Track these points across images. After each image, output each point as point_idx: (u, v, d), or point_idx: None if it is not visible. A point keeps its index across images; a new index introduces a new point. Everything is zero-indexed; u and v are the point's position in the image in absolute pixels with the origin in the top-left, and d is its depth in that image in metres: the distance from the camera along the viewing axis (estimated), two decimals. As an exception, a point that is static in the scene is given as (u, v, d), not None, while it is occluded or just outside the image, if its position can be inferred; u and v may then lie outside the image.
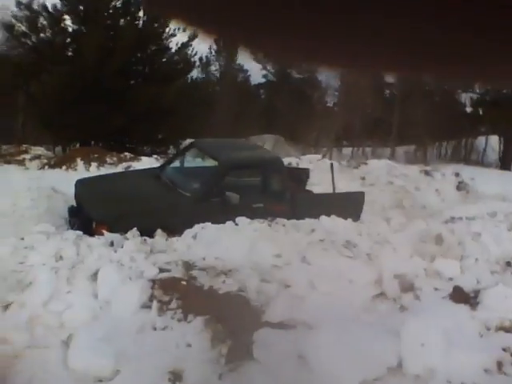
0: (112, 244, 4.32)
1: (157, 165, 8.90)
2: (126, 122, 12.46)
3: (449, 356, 3.12)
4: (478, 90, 24.97)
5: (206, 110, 15.89)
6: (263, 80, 25.10)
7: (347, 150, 24.12)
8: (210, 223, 5.20)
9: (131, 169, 8.71)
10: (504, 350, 3.30)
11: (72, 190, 7.26)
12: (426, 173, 10.82)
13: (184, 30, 14.80)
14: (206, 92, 16.80)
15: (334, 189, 6.43)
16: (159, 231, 5.15)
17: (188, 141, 17.11)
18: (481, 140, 27.89)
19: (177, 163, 6.90)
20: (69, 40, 14.54)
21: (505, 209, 7.29)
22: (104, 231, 5.09)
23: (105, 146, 11.34)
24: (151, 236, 4.97)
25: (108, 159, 9.25)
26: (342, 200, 6.49)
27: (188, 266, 4.16)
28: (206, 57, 19.83)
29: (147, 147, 14.44)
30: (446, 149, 28.54)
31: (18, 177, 7.66)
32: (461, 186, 10.40)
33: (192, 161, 6.97)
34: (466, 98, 28.13)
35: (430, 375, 2.93)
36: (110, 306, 3.56)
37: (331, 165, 6.68)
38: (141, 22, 14.31)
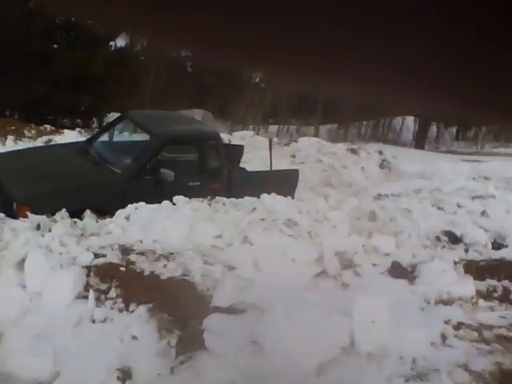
0: (38, 227, 3.94)
1: (82, 139, 8.35)
2: (46, 90, 11.44)
3: (396, 332, 3.16)
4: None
5: (134, 82, 15.06)
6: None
7: (273, 128, 24.19)
8: (144, 203, 4.92)
9: (53, 143, 8.07)
10: (445, 322, 3.41)
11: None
12: (353, 151, 11.08)
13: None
14: (134, 62, 15.86)
15: (271, 166, 6.33)
16: (88, 212, 4.80)
17: (113, 114, 16.29)
18: (398, 120, 29.21)
19: (106, 137, 6.45)
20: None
21: (427, 186, 7.61)
22: (27, 213, 4.68)
23: (22, 118, 10.41)
24: (79, 217, 4.62)
25: (26, 132, 8.51)
26: (278, 178, 6.41)
27: (125, 250, 3.90)
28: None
29: (68, 119, 13.46)
30: (366, 128, 29.60)
31: None
32: (384, 164, 10.76)
33: (123, 134, 6.56)
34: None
35: (382, 352, 2.94)
36: (42, 297, 3.25)
37: (270, 141, 6.55)
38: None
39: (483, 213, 6.03)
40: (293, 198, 6.15)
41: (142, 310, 3.18)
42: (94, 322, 3.16)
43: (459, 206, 6.20)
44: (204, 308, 3.20)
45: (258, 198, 5.90)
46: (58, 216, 4.19)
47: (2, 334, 2.83)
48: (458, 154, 20.77)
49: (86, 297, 3.31)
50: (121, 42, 14.87)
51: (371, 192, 7.49)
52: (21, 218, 4.36)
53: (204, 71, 22.29)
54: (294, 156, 10.16)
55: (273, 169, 7.46)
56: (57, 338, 2.94)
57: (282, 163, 9.51)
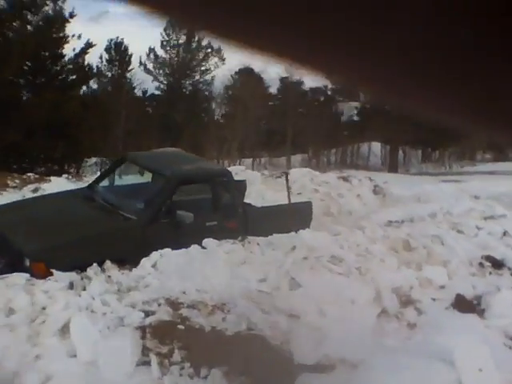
0: (71, 286, 3.48)
1: (71, 185, 7.84)
2: (20, 138, 10.80)
3: (496, 376, 2.87)
4: (360, 99, 26.70)
5: (106, 124, 14.57)
6: (155, 92, 24.21)
7: (247, 161, 24.09)
8: (169, 249, 4.53)
9: (42, 192, 7.53)
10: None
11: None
12: (344, 179, 10.99)
13: (79, 37, 13.54)
14: (105, 105, 15.39)
15: (289, 200, 6.06)
16: (108, 263, 4.35)
17: (93, 159, 15.72)
18: (363, 147, 29.79)
19: (106, 182, 6.03)
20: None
21: (437, 210, 7.52)
22: (42, 269, 4.19)
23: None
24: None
25: (9, 182, 7.93)
26: (292, 211, 6.15)
27: (172, 304, 3.48)
28: (97, 67, 18.37)
29: (44, 167, 12.78)
30: (335, 156, 30.03)
31: None
32: (377, 190, 10.71)
33: (126, 177, 6.16)
34: (346, 106, 30.03)
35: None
36: (97, 368, 2.79)
37: (286, 176, 6.31)
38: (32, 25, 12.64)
39: (505, 233, 5.95)
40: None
41: (216, 374, 2.77)
42: (162, 393, 2.73)
43: (479, 229, 6.10)
44: (287, 367, 2.83)
45: (275, 233, 5.64)
46: (90, 272, 3.74)
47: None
48: (431, 175, 21.17)
49: (147, 363, 2.87)
50: (93, 84, 14.49)
51: (376, 219, 7.30)
52: (35, 275, 3.90)
53: (171, 109, 22.13)
54: (289, 188, 9.94)
55: (281, 203, 7.22)
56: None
57: (278, 196, 9.28)
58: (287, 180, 6.24)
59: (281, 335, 3.15)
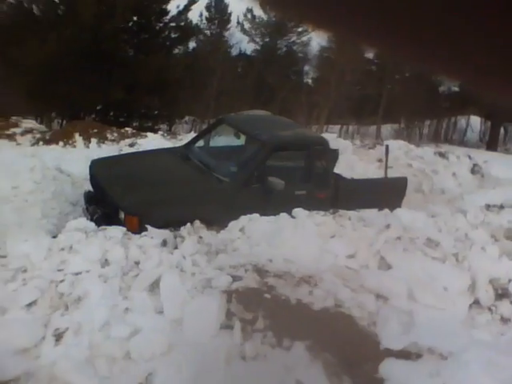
0: (165, 244, 3.57)
1: (166, 142, 8.06)
2: (124, 94, 11.28)
3: None
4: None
5: (201, 84, 14.77)
6: (251, 53, 24.10)
7: (334, 129, 23.53)
8: (257, 214, 4.52)
9: (136, 146, 7.84)
10: None
11: (78, 170, 6.42)
12: (441, 155, 10.34)
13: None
14: (204, 64, 15.55)
15: (386, 173, 5.79)
16: (198, 223, 4.42)
17: (186, 117, 16.12)
18: (461, 120, 27.86)
19: (202, 142, 6.10)
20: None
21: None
22: (136, 223, 4.36)
23: (99, 121, 10.26)
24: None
25: (108, 135, 8.32)
26: (385, 186, 5.88)
27: (259, 271, 3.47)
28: (197, 24, 18.52)
29: (140, 122, 13.30)
30: (429, 128, 28.41)
31: (11, 154, 6.70)
32: (475, 170, 9.99)
33: (221, 139, 6.19)
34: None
35: None
36: (182, 327, 2.85)
37: (386, 148, 6.01)
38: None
39: None
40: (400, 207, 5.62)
41: (299, 347, 2.73)
42: (244, 358, 2.74)
43: None
44: (373, 350, 2.72)
45: (364, 208, 5.42)
46: (184, 231, 3.82)
47: (152, 376, 2.44)
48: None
49: (230, 327, 2.89)
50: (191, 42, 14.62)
51: (470, 200, 6.79)
52: (127, 229, 4.06)
53: (266, 71, 21.95)
54: (380, 160, 9.55)
55: (372, 177, 6.95)
56: (210, 378, 2.53)
57: (369, 168, 8.96)
58: (387, 152, 5.95)
59: (368, 316, 3.03)
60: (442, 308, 3.37)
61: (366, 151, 9.85)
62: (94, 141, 8.05)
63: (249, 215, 4.48)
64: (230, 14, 21.15)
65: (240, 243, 3.85)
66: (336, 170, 7.25)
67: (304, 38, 24.35)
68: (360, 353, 2.69)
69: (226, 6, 20.93)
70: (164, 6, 13.65)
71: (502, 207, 6.24)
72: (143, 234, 3.68)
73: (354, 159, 9.51)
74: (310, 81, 26.21)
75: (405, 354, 2.69)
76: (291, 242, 3.92)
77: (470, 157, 10.36)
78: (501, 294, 3.78)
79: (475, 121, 27.82)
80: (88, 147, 7.91)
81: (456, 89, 27.61)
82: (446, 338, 2.90)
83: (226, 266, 3.44)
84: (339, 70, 21.83)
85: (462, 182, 9.42)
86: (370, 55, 27.32)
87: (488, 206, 6.27)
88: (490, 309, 3.67)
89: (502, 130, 26.82)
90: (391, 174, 7.10)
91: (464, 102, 25.40)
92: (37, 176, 5.85)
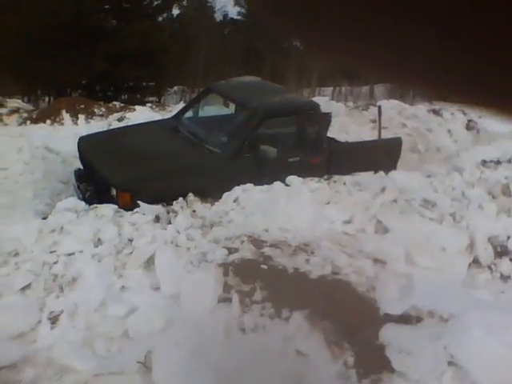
0: (158, 219, 3.52)
1: (155, 115, 7.91)
2: (110, 67, 11.00)
3: None
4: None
5: (187, 52, 14.43)
6: (236, 17, 23.53)
7: (327, 91, 23.25)
8: (251, 184, 4.46)
9: (125, 120, 7.69)
10: None
11: (67, 148, 6.30)
12: (435, 112, 10.23)
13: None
14: (188, 31, 15.17)
15: (379, 136, 5.71)
16: (191, 196, 4.36)
17: (174, 87, 15.83)
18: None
19: (191, 113, 5.97)
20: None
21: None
22: (128, 199, 4.29)
23: (83, 96, 10.04)
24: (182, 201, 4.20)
25: (96, 110, 8.14)
26: (380, 148, 5.80)
27: (254, 241, 3.43)
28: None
29: (128, 94, 13.05)
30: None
31: (-2, 135, 6.56)
32: (470, 126, 9.91)
33: (210, 108, 6.05)
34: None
35: None
36: (180, 302, 2.82)
37: (379, 108, 5.90)
38: None
39: None
40: (395, 170, 5.57)
41: (297, 317, 2.71)
42: (243, 330, 2.72)
43: None
44: (372, 316, 2.71)
45: (360, 171, 5.37)
46: (176, 205, 3.76)
47: (151, 354, 2.42)
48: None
49: (228, 300, 2.87)
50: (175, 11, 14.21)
51: (466, 158, 6.73)
52: (119, 205, 4.00)
53: (250, 36, 21.49)
54: (374, 121, 9.43)
55: (367, 139, 6.86)
56: (210, 352, 2.51)
57: (363, 130, 8.86)
58: (380, 113, 5.84)
59: (366, 281, 3.01)
60: (441, 269, 3.35)
61: (359, 113, 9.71)
62: (81, 117, 7.88)
63: (242, 185, 4.42)
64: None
65: (234, 214, 3.80)
66: (329, 134, 7.16)
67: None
68: (359, 319, 2.68)
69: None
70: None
71: (498, 163, 6.18)
72: (135, 210, 3.62)
73: (348, 122, 9.40)
74: (298, 44, 25.77)
75: (405, 319, 2.68)
76: (286, 210, 3.87)
77: (464, 112, 10.25)
78: (500, 252, 3.76)
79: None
80: (76, 124, 7.75)
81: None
82: (446, 300, 2.89)
83: (221, 238, 3.40)
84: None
85: (457, 139, 9.35)
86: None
87: (484, 162, 6.21)
88: (489, 267, 3.66)
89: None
90: (385, 134, 7.01)
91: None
92: (26, 156, 5.75)
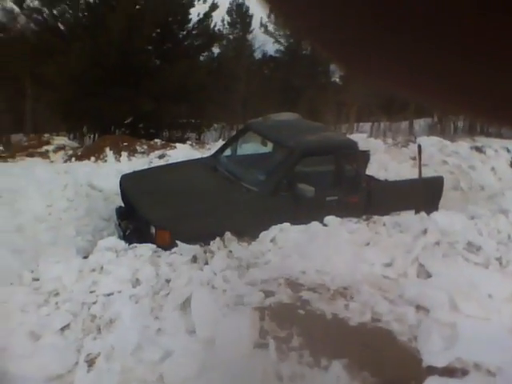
0: (195, 260, 3.52)
1: (195, 152, 8.06)
2: (152, 106, 11.37)
3: None
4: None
5: (226, 90, 14.78)
6: (275, 54, 23.97)
7: (366, 126, 23.16)
8: (288, 224, 4.42)
9: (166, 157, 7.86)
10: None
11: (109, 185, 6.47)
12: (477, 149, 9.99)
13: (204, 1, 13.67)
14: (227, 70, 15.58)
15: (420, 175, 5.60)
16: (228, 234, 4.35)
17: (214, 125, 16.16)
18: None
19: (229, 151, 6.05)
20: (87, 13, 13.15)
21: None
22: (167, 237, 4.33)
23: (127, 133, 10.37)
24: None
25: (138, 148, 8.38)
26: (421, 187, 5.68)
27: (292, 284, 3.38)
28: (219, 30, 18.57)
29: (169, 132, 13.39)
30: (463, 121, 27.60)
31: (44, 172, 6.80)
32: (515, 163, 9.61)
33: (248, 147, 6.12)
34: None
35: None
36: (215, 347, 2.78)
37: (419, 147, 5.82)
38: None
39: None
40: (437, 210, 5.41)
41: (337, 366, 2.61)
42: (280, 378, 2.64)
43: None
44: (415, 368, 2.58)
45: (400, 211, 5.25)
46: (214, 246, 3.76)
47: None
48: None
49: (264, 345, 2.80)
50: (215, 48, 14.65)
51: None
52: (158, 244, 4.03)
53: (289, 73, 21.81)
54: (414, 158, 9.29)
55: (407, 177, 6.74)
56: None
57: (402, 167, 8.72)
58: (420, 151, 5.75)
59: (408, 330, 2.89)
60: (487, 317, 3.19)
61: (398, 150, 9.61)
62: (124, 154, 8.13)
63: (279, 225, 4.39)
64: (252, 17, 21.17)
65: (271, 255, 3.76)
66: (368, 172, 7.09)
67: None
68: (401, 371, 2.56)
69: (248, 9, 20.93)
70: (185, 15, 13.70)
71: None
72: (173, 250, 3.64)
73: (387, 159, 9.29)
74: (337, 79, 25.91)
75: (449, 371, 2.54)
76: (324, 251, 3.81)
77: (508, 150, 9.98)
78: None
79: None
80: (119, 161, 7.98)
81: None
82: (494, 352, 2.74)
83: (257, 280, 3.36)
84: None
85: (501, 177, 9.07)
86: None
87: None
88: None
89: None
90: (426, 172, 6.88)
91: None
92: (70, 193, 5.93)
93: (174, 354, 2.67)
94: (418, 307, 3.17)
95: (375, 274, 3.66)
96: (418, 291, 3.32)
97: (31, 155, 7.76)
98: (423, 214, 4.35)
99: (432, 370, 2.56)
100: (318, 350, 2.73)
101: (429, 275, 3.65)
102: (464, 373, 2.55)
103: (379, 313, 3.03)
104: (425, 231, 3.97)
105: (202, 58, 15.75)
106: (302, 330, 2.87)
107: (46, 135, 8.57)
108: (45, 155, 7.89)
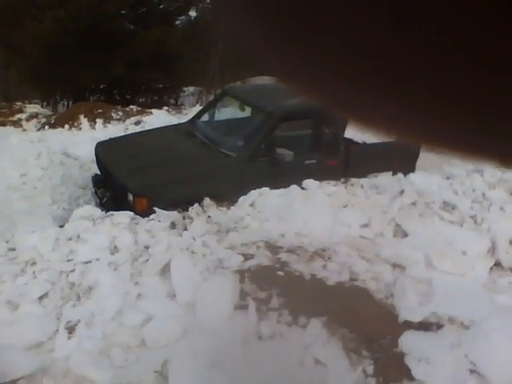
0: (173, 226, 3.51)
1: (172, 118, 7.94)
2: (127, 71, 11.08)
3: None
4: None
5: (203, 54, 14.46)
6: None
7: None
8: (267, 188, 4.43)
9: (142, 124, 7.74)
10: None
11: (85, 153, 6.37)
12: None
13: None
14: (205, 34, 15.19)
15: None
16: (207, 200, 4.35)
17: (191, 88, 15.90)
18: None
19: (207, 116, 5.97)
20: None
21: None
22: (145, 204, 4.32)
23: (102, 100, 10.15)
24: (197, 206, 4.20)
25: (113, 114, 8.21)
26: (399, 149, 5.71)
27: (270, 247, 3.41)
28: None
29: (145, 97, 13.14)
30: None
31: (17, 141, 6.64)
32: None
33: (226, 112, 6.04)
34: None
35: None
36: (196, 310, 2.81)
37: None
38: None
39: None
40: (414, 171, 5.48)
41: (315, 324, 2.67)
42: (260, 338, 2.69)
43: None
44: (391, 323, 2.66)
45: (378, 173, 5.30)
46: (192, 212, 3.75)
47: (168, 363, 2.41)
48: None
49: (245, 307, 2.84)
50: (192, 14, 14.24)
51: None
52: (136, 211, 4.01)
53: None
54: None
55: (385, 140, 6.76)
56: (227, 361, 2.49)
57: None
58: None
59: (385, 288, 2.96)
60: (462, 273, 3.28)
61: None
62: (99, 121, 7.97)
63: (258, 189, 4.39)
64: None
65: (250, 220, 3.77)
66: (347, 135, 7.09)
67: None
68: (378, 327, 2.63)
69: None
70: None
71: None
72: (151, 217, 3.62)
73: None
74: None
75: (425, 326, 2.62)
76: (303, 214, 3.83)
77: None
78: (522, 255, 3.66)
79: None
80: (94, 128, 7.83)
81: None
82: (467, 306, 2.82)
83: (237, 244, 3.38)
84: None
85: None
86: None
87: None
88: (511, 270, 3.57)
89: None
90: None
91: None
92: (44, 162, 5.81)
93: (155, 318, 2.69)
94: (395, 265, 3.24)
95: (353, 234, 3.71)
96: (395, 250, 3.38)
97: (3, 124, 7.55)
98: (400, 175, 4.40)
99: (408, 325, 2.63)
100: (297, 310, 2.78)
101: (405, 234, 3.72)
102: (439, 327, 2.63)
103: (356, 272, 3.09)
104: (401, 192, 4.02)
105: (178, 22, 15.36)
106: (281, 291, 2.91)
107: (18, 103, 8.33)
108: (17, 124, 7.68)
